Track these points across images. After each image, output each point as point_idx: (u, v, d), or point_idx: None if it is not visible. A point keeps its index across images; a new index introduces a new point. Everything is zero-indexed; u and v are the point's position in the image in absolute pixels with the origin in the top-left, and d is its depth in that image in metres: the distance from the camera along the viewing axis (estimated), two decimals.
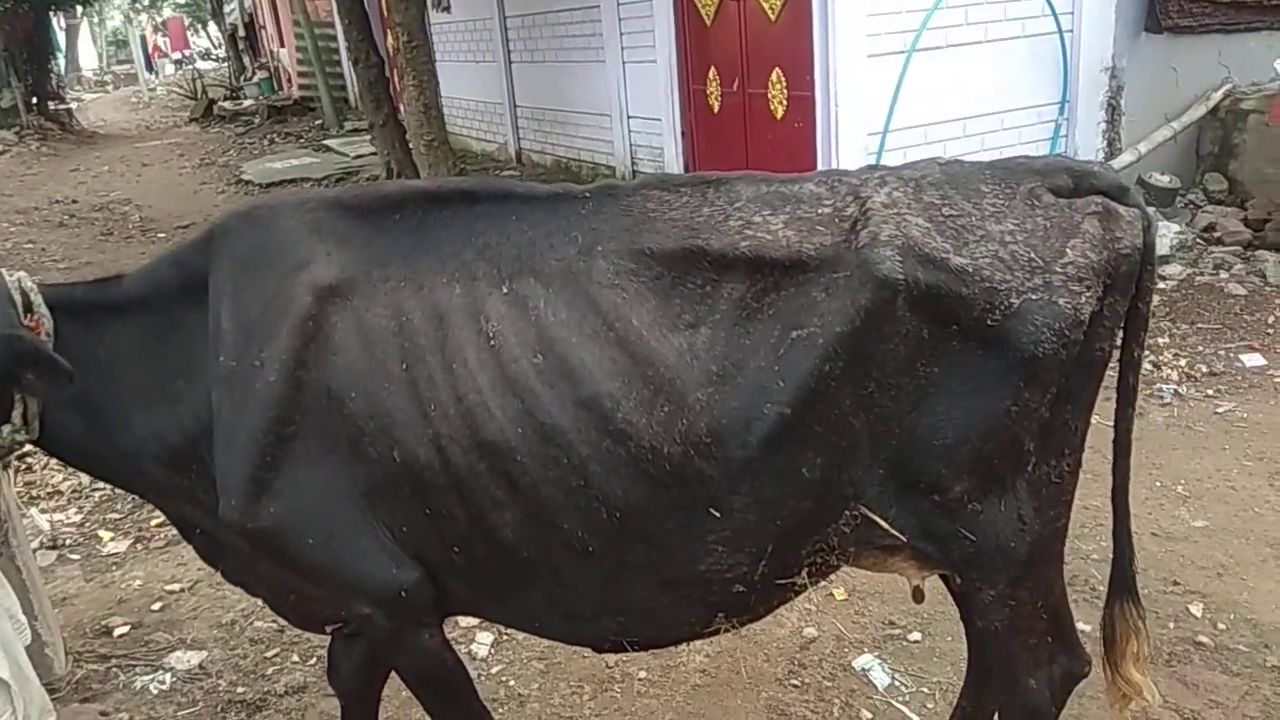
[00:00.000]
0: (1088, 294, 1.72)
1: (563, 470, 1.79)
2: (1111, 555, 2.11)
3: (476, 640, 3.27)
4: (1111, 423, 2.00)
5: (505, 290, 1.85)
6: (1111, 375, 1.91)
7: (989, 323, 1.70)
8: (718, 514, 1.80)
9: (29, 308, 1.91)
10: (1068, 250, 1.73)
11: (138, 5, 39.95)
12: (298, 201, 1.99)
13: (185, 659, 3.29)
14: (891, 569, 2.02)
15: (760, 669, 3.06)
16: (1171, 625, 3.11)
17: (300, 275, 1.85)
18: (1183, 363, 5.09)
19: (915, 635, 3.16)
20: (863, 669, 3.03)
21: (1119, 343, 1.89)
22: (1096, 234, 1.75)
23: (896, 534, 1.85)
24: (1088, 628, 2.54)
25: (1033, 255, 1.72)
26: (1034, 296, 1.70)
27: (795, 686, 2.99)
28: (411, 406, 1.81)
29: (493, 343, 1.81)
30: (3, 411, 1.89)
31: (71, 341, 1.93)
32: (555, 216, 1.90)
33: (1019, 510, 1.85)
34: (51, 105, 18.71)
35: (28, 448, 2.03)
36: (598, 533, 1.82)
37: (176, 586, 3.73)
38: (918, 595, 2.11)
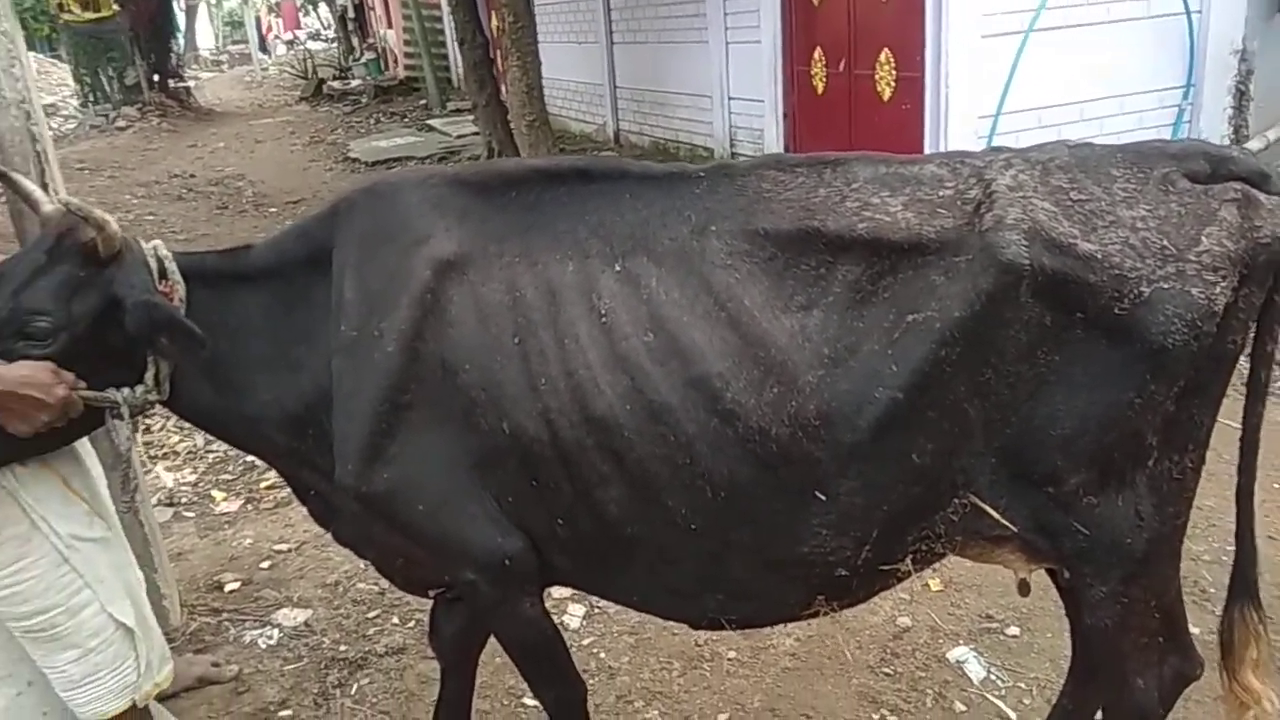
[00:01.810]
0: (1223, 284, 1.65)
1: (669, 448, 1.79)
2: (1227, 557, 2.03)
3: (569, 612, 3.31)
4: (1231, 420, 1.92)
5: (618, 268, 1.86)
6: (1240, 370, 1.83)
7: (1116, 311, 1.65)
8: (824, 497, 1.79)
9: (163, 274, 1.98)
10: (1203, 238, 1.65)
11: None
12: (419, 178, 2.03)
13: (292, 616, 3.42)
14: (998, 560, 1.98)
15: (852, 655, 3.04)
16: None
17: (420, 249, 1.89)
18: None
19: (1013, 629, 3.09)
20: (957, 661, 2.98)
21: (1252, 336, 1.81)
22: (1234, 222, 1.67)
23: (1007, 524, 1.81)
24: (1197, 630, 2.44)
25: (1165, 243, 1.65)
26: (1165, 285, 1.63)
27: (887, 675, 2.96)
28: (522, 380, 1.84)
29: (604, 320, 1.82)
30: (136, 373, 1.97)
31: (202, 308, 2.00)
32: (669, 195, 1.90)
33: (1137, 506, 1.79)
34: (171, 83, 19.36)
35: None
36: (702, 511, 1.83)
37: (284, 547, 3.88)
38: (1024, 588, 2.06)
